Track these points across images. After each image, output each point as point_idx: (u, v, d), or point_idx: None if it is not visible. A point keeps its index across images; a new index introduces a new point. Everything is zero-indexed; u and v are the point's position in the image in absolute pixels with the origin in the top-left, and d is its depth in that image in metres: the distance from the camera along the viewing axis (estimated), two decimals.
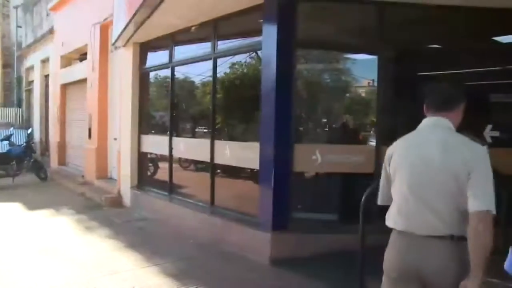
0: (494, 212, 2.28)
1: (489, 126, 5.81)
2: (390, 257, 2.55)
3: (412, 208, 2.45)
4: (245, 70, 6.96)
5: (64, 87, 14.30)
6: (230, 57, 6.94)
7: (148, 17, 7.03)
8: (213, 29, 6.86)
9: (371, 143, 5.92)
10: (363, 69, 6.22)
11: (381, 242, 5.21)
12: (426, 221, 2.40)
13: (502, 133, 5.86)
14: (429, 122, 2.59)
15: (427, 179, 2.41)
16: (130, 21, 7.35)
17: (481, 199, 2.27)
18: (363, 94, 6.43)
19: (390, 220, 2.57)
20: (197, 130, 8.17)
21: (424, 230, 2.39)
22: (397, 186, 2.55)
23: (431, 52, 6.38)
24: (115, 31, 8.74)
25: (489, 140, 5.81)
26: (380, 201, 2.77)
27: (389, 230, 3.46)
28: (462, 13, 5.72)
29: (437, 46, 6.43)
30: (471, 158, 2.34)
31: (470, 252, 2.26)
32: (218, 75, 7.00)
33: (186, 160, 8.11)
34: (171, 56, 8.13)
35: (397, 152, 2.59)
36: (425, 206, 2.40)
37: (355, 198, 4.66)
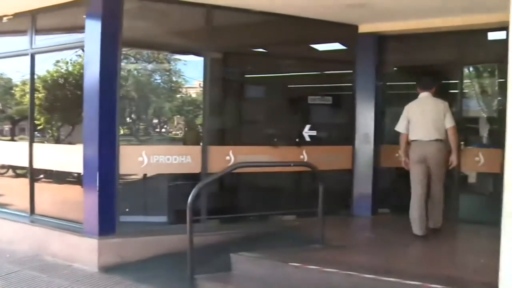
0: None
1: (307, 126, 6.34)
2: (414, 152, 5.52)
3: (422, 130, 5.47)
4: (70, 68, 6.55)
5: None
6: (53, 53, 6.46)
7: None
8: (31, 21, 6.29)
9: (198, 143, 6.01)
10: (192, 70, 6.33)
11: (210, 240, 5.40)
12: (428, 134, 5.44)
13: (319, 132, 6.47)
14: (422, 95, 5.65)
15: (427, 117, 5.46)
16: None
17: (450, 122, 5.44)
18: (193, 95, 6.51)
19: (413, 136, 5.55)
20: (15, 132, 7.46)
21: (427, 138, 5.43)
22: (415, 122, 5.54)
23: (256, 55, 6.74)
24: None
25: (307, 138, 6.35)
26: (401, 130, 5.67)
27: (217, 228, 5.57)
28: (284, 21, 6.15)
29: (261, 50, 6.80)
30: (445, 107, 5.48)
31: (451, 144, 5.46)
32: (39, 72, 6.48)
33: (3, 166, 7.35)
34: None
35: (412, 108, 5.61)
36: (427, 128, 5.44)
37: (183, 199, 4.68)
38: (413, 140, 5.56)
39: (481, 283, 3.79)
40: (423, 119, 5.48)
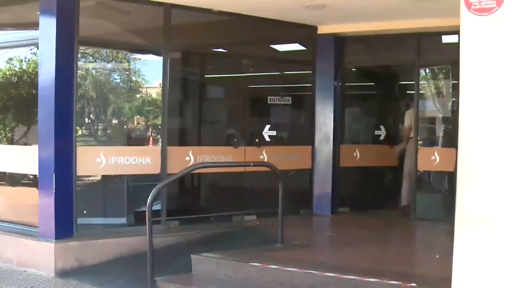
0: None
1: (267, 126, 6.38)
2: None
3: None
4: (24, 67, 6.35)
5: None
6: (5, 50, 6.23)
7: None
8: None
9: (157, 144, 5.98)
10: (152, 70, 6.25)
11: (171, 242, 5.35)
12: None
13: (279, 132, 6.54)
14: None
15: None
16: None
17: None
18: (152, 95, 6.45)
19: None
20: None
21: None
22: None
23: (216, 55, 6.74)
24: None
25: (267, 138, 6.39)
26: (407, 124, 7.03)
27: (177, 229, 5.59)
28: (244, 21, 6.17)
29: (221, 50, 6.80)
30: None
31: None
32: None
33: None
34: None
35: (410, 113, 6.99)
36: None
37: (143, 200, 4.63)
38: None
39: (436, 278, 3.89)
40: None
